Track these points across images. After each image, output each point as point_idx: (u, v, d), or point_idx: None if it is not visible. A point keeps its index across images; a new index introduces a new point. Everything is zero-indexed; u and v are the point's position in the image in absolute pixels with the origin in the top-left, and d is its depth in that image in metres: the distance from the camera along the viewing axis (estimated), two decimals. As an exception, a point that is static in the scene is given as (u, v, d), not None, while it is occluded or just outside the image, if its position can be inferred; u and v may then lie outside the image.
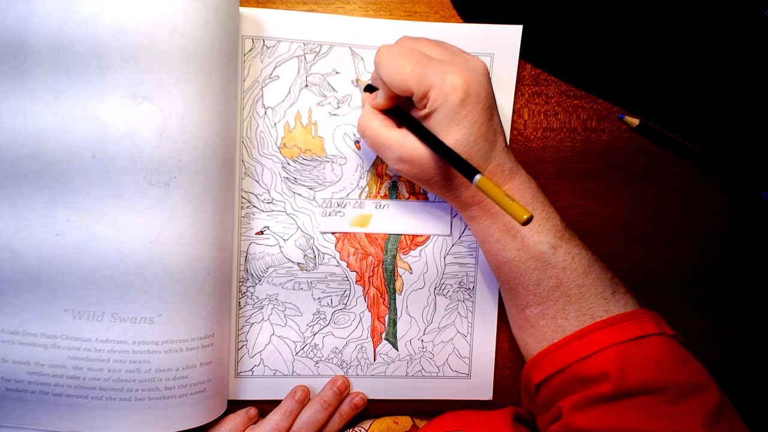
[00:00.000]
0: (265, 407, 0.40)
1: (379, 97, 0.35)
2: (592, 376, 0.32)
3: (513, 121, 0.41)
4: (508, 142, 0.37)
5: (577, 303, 0.34)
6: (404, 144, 0.34)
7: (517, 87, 0.41)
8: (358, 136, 0.40)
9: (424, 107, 0.33)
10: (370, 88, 0.37)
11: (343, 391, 0.40)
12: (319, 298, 0.40)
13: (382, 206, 0.40)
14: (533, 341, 0.37)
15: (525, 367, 0.37)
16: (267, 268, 0.40)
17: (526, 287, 0.35)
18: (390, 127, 0.35)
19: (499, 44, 0.39)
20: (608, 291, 0.34)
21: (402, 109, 0.35)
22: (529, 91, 0.41)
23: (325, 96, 0.39)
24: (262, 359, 0.40)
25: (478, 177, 0.29)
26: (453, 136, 0.32)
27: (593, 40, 0.40)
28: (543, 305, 0.35)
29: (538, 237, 0.34)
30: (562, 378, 0.34)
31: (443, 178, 0.34)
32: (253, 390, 0.40)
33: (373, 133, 0.35)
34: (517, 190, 0.34)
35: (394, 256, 0.41)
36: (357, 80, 0.39)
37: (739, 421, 0.32)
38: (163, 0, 0.32)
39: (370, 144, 0.36)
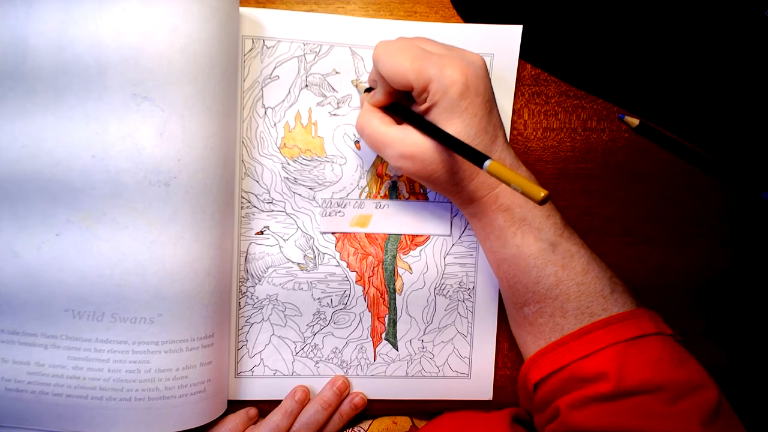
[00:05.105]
0: (265, 407, 0.40)
1: (378, 94, 0.35)
2: (591, 375, 0.32)
3: (513, 121, 0.41)
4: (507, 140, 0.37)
5: (575, 301, 0.34)
6: (405, 140, 0.34)
7: (517, 87, 0.41)
8: (357, 135, 0.40)
9: (424, 102, 0.33)
10: (370, 90, 0.37)
11: (343, 392, 0.40)
12: (319, 298, 0.40)
13: (382, 206, 0.40)
14: (531, 339, 0.37)
15: (523, 366, 0.37)
16: (267, 268, 0.40)
17: (525, 284, 0.35)
18: (389, 124, 0.35)
19: (499, 44, 0.39)
20: (607, 289, 0.34)
21: (401, 105, 0.35)
22: (529, 91, 0.41)
23: (325, 96, 0.39)
24: (262, 359, 0.40)
25: (488, 162, 0.28)
26: (454, 129, 0.32)
27: (593, 40, 0.40)
28: (541, 303, 0.35)
29: (539, 234, 0.34)
30: (561, 377, 0.34)
31: (446, 172, 0.34)
32: (253, 390, 0.40)
33: (373, 131, 0.35)
34: (507, 194, 0.35)
35: (394, 256, 0.41)
36: (357, 84, 0.39)
37: (736, 421, 0.32)
38: (162, 0, 0.32)
39: (369, 143, 0.36)
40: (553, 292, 0.34)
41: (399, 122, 0.35)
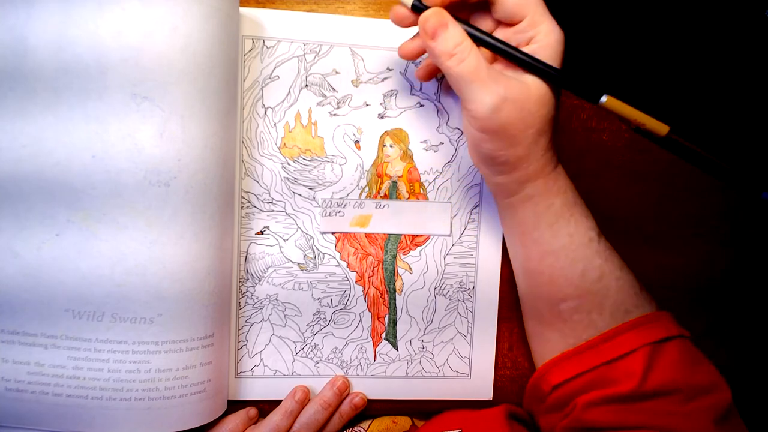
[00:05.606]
0: (265, 407, 0.40)
1: None
2: (619, 376, 0.32)
3: (513, 121, 0.41)
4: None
5: (614, 296, 0.34)
6: (515, 80, 0.30)
7: (517, 87, 0.40)
8: (358, 136, 0.40)
9: (527, 42, 0.31)
10: (416, 8, 0.31)
11: (343, 392, 0.40)
12: (319, 298, 0.40)
13: (382, 206, 0.40)
14: (558, 337, 0.36)
15: (541, 368, 0.37)
16: (267, 268, 0.40)
17: (569, 278, 0.34)
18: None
19: (499, 44, 0.39)
20: (637, 286, 0.35)
21: (505, 42, 0.31)
22: (529, 91, 0.41)
23: (325, 96, 0.39)
24: (262, 359, 0.40)
25: (605, 96, 0.27)
26: None
27: (593, 40, 0.40)
28: (582, 298, 0.34)
29: (587, 222, 0.34)
30: (586, 378, 0.33)
31: (536, 132, 0.31)
32: (253, 390, 0.40)
33: (477, 63, 0.29)
34: (564, 176, 0.34)
35: (394, 256, 0.41)
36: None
37: (740, 421, 0.32)
38: (162, 0, 0.32)
39: (462, 74, 0.29)
40: (596, 285, 0.34)
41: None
